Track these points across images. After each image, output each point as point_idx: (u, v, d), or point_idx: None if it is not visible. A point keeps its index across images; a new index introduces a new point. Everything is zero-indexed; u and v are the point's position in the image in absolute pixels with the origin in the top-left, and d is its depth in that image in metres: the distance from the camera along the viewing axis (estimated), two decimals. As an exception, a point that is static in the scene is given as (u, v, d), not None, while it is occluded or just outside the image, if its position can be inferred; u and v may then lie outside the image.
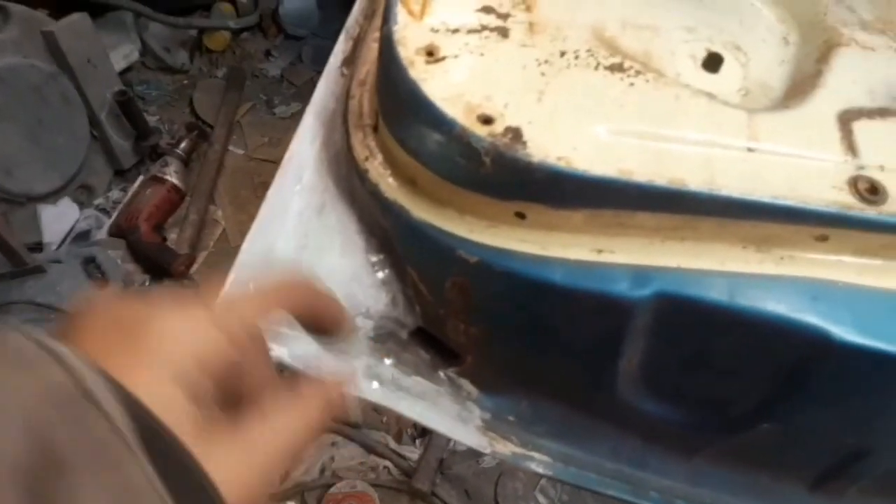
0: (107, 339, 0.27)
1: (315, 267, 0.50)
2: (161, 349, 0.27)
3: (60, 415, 0.22)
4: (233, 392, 0.29)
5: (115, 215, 1.88)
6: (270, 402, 0.30)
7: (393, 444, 1.64)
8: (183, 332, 0.28)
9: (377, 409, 1.72)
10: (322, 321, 0.36)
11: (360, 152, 0.50)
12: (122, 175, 2.00)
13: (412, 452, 1.64)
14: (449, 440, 1.65)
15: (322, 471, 1.58)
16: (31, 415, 0.21)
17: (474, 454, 1.64)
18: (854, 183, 0.43)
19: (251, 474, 0.27)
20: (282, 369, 0.47)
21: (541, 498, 1.59)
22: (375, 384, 0.49)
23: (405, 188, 0.48)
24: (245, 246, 0.50)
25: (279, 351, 0.47)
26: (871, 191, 0.42)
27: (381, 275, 0.51)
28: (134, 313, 0.28)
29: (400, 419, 1.70)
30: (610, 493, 0.52)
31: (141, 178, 1.95)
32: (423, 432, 1.68)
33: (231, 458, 0.27)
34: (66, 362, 0.23)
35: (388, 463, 1.62)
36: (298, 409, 0.31)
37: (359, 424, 1.67)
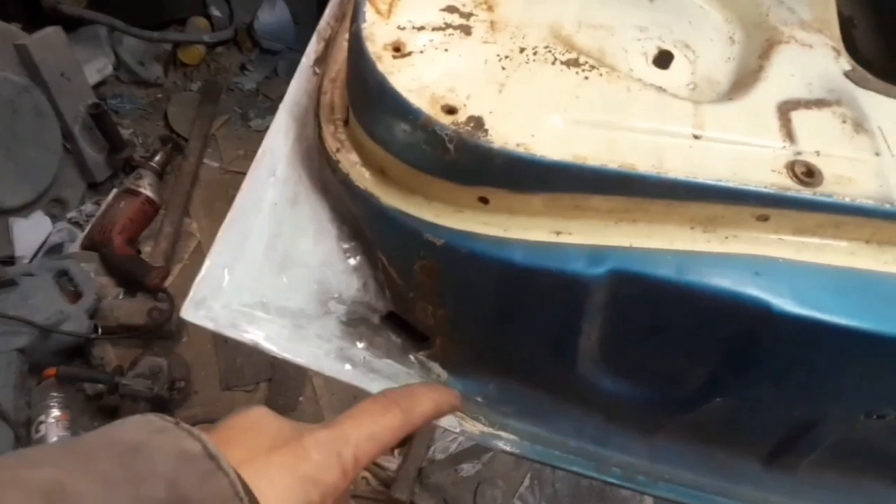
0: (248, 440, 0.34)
1: (289, 253, 0.52)
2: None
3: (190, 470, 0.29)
4: None
5: (88, 228, 1.87)
6: None
7: (370, 454, 1.64)
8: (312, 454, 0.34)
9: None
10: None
11: (331, 144, 0.52)
12: (95, 188, 1.99)
13: (391, 462, 1.64)
14: (427, 449, 1.66)
15: (299, 480, 1.58)
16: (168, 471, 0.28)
17: (453, 462, 1.65)
18: (791, 167, 0.46)
19: None
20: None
21: None
22: (348, 366, 0.51)
23: (375, 177, 0.50)
24: (220, 234, 0.52)
25: (254, 334, 0.49)
26: (808, 174, 0.46)
27: (352, 261, 0.53)
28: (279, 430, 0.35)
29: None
30: (574, 469, 0.55)
31: (114, 190, 1.94)
32: (403, 442, 1.68)
33: None
34: (195, 434, 0.31)
35: (366, 473, 1.62)
36: None
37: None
